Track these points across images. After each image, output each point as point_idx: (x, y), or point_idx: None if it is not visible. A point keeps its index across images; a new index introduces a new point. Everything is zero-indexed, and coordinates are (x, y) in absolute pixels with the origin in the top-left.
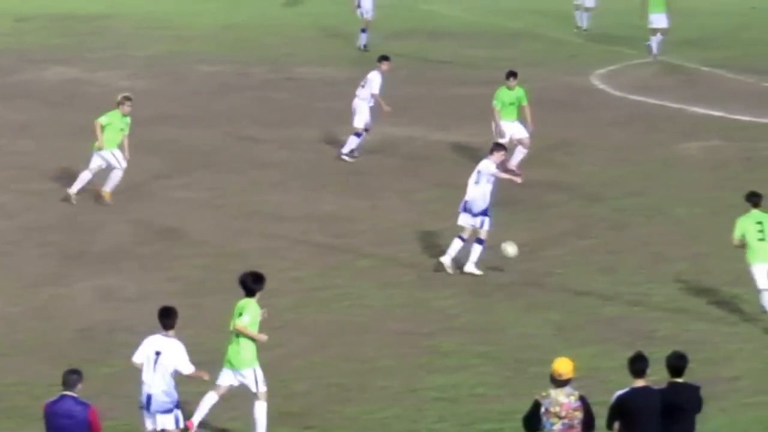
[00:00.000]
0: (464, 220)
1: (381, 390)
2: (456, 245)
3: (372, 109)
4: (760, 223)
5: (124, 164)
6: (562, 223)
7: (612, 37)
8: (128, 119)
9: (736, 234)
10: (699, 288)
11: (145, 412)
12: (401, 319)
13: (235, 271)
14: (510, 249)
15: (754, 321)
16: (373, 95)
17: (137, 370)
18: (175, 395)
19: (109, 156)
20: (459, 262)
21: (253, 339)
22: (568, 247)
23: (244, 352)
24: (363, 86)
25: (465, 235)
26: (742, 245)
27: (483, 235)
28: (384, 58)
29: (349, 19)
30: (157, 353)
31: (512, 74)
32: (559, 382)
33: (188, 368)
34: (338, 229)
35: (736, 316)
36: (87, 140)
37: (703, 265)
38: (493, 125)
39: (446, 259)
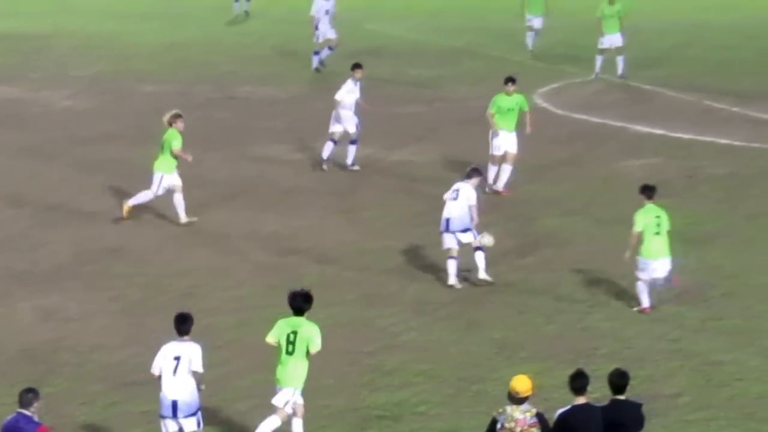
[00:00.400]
0: (449, 241)
1: (323, 408)
2: (452, 266)
3: (356, 115)
4: (658, 217)
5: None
6: (504, 241)
7: (554, 55)
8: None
9: (637, 227)
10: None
11: (167, 421)
12: (344, 338)
13: (177, 291)
14: (487, 239)
15: (695, 338)
16: (335, 98)
17: (80, 391)
18: (197, 398)
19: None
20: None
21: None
22: (510, 265)
23: (299, 372)
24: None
25: (455, 254)
26: (638, 240)
27: (477, 243)
28: (357, 65)
29: (290, 38)
30: (176, 358)
31: (510, 80)
32: (516, 400)
33: (200, 367)
34: (280, 248)
35: (678, 333)
36: (29, 160)
37: None
38: (491, 134)
39: (453, 281)
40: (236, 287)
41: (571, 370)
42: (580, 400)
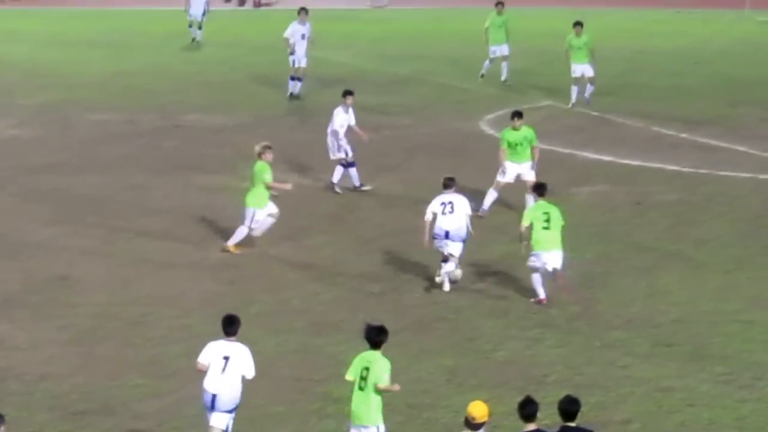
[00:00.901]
0: (450, 247)
1: None
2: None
3: (350, 140)
4: (546, 213)
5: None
6: None
7: (501, 82)
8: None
9: (525, 222)
10: (590, 332)
11: (208, 412)
12: (293, 366)
13: (125, 319)
14: (458, 272)
15: (645, 364)
16: (332, 131)
17: (28, 420)
18: (239, 398)
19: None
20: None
21: (380, 392)
22: (460, 292)
23: (374, 408)
24: (331, 122)
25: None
26: (528, 234)
27: (454, 261)
28: (348, 92)
29: (237, 65)
30: (226, 358)
31: (517, 114)
32: (472, 425)
33: (252, 373)
34: (229, 276)
35: (628, 360)
36: None
37: (594, 309)
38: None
39: (443, 278)
40: (184, 315)
41: (521, 397)
42: (530, 427)
